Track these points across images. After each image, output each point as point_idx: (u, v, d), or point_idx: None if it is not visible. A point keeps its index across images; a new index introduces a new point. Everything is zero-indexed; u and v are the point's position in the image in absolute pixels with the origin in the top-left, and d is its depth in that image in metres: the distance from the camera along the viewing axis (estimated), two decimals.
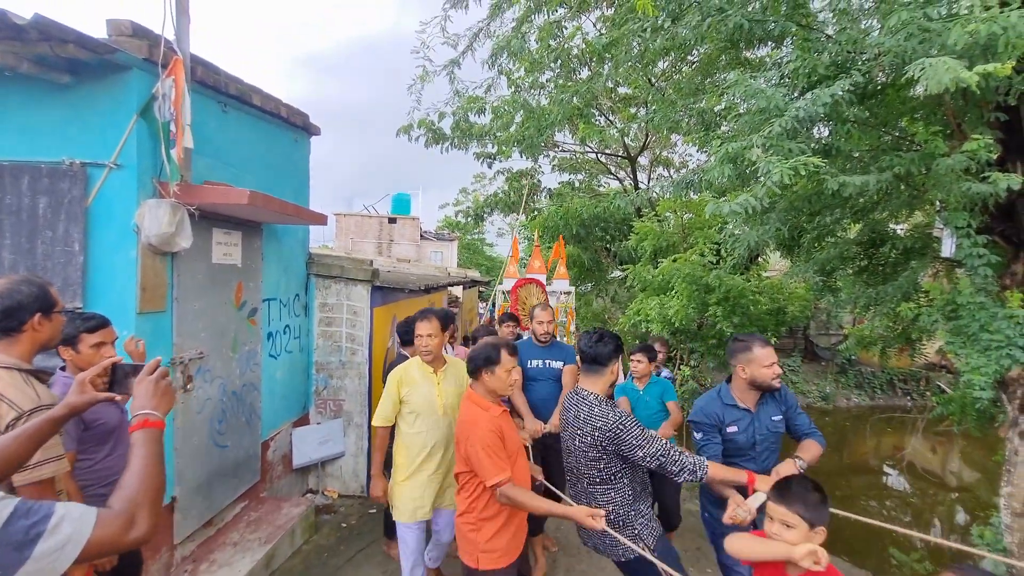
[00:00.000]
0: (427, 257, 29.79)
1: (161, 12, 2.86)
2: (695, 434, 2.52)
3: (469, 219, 12.55)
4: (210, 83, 3.34)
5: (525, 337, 4.19)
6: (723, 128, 4.56)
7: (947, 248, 3.48)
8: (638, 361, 3.86)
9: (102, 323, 2.09)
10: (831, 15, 3.05)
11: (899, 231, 5.30)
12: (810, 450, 2.39)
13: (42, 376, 1.69)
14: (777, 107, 2.43)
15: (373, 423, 2.91)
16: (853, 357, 12.35)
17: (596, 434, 2.15)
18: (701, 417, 2.49)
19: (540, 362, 3.65)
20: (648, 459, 2.12)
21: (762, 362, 2.37)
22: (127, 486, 1.10)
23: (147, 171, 2.84)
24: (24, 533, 0.91)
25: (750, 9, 3.06)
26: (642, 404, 3.83)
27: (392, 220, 29.59)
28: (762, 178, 2.23)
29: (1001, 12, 1.87)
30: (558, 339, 3.94)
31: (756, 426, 2.46)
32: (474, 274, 15.59)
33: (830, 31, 3.44)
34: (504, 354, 2.34)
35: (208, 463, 3.44)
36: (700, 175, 3.09)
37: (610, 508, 2.22)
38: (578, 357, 2.20)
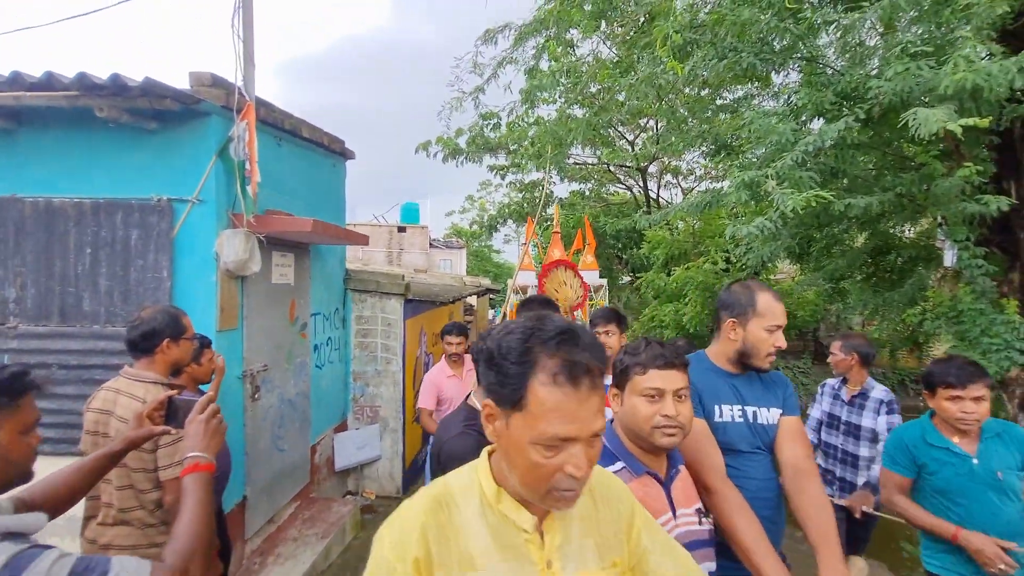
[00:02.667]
0: (437, 265, 30.16)
1: (232, 62, 3.23)
2: None
3: (484, 229, 12.88)
4: (269, 121, 3.69)
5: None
6: (732, 141, 4.85)
7: (949, 258, 3.75)
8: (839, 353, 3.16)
9: (210, 340, 2.43)
10: (836, 51, 3.35)
11: (906, 236, 5.56)
12: None
13: (178, 389, 2.01)
14: (788, 141, 2.73)
15: None
16: None
17: None
18: None
19: (739, 410, 1.70)
20: None
21: None
22: (179, 537, 1.12)
23: (223, 204, 3.18)
24: None
25: (766, 25, 3.34)
26: (978, 490, 1.88)
27: (401, 229, 30.01)
28: (777, 205, 2.53)
29: (983, 62, 2.17)
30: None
31: None
32: (486, 282, 15.92)
33: (832, 57, 3.75)
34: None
35: (271, 465, 3.76)
36: (717, 196, 3.40)
37: None
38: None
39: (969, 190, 3.03)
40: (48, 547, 0.97)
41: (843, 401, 3.20)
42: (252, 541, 3.58)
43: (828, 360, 3.29)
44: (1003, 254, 3.79)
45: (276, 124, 3.80)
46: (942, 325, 3.88)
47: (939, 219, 3.80)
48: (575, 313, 5.74)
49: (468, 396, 1.60)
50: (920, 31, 2.61)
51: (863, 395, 3.12)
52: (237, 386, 3.36)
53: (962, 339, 3.71)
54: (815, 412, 3.42)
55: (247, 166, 3.13)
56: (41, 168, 3.07)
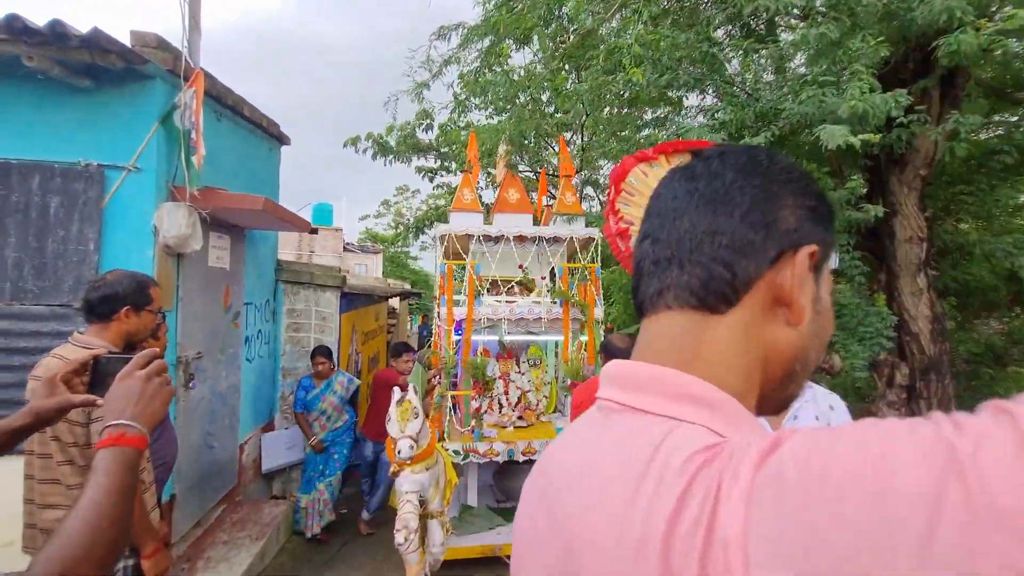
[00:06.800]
0: (352, 269, 29.06)
1: (179, 27, 3.05)
2: None
3: (410, 230, 12.75)
4: (211, 93, 3.48)
5: None
6: None
7: (834, 260, 4.44)
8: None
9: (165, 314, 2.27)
10: (749, 80, 3.86)
11: None
12: None
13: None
14: None
15: None
16: None
17: None
18: None
19: None
20: None
21: None
22: (64, 535, 0.72)
23: (163, 175, 2.97)
24: None
25: (694, 48, 3.78)
26: None
27: (314, 231, 28.60)
28: None
29: (870, 94, 2.68)
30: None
31: None
32: (407, 286, 15.70)
33: (739, 84, 4.32)
34: None
35: (200, 463, 3.50)
36: None
37: None
38: None
39: (853, 201, 3.64)
40: None
41: None
42: (178, 546, 3.30)
43: None
44: (874, 258, 4.55)
45: (217, 98, 3.60)
46: None
47: None
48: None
49: None
50: (823, 67, 3.13)
51: None
52: (170, 373, 3.11)
53: (844, 329, 4.39)
54: None
55: (192, 136, 2.96)
56: None
